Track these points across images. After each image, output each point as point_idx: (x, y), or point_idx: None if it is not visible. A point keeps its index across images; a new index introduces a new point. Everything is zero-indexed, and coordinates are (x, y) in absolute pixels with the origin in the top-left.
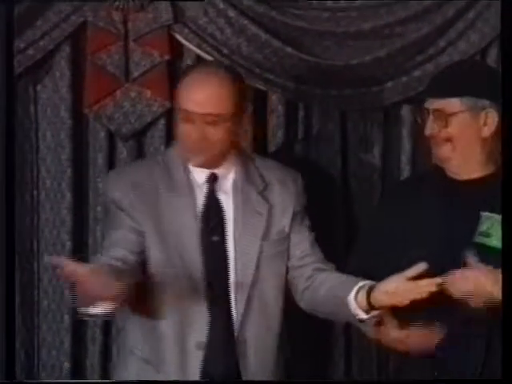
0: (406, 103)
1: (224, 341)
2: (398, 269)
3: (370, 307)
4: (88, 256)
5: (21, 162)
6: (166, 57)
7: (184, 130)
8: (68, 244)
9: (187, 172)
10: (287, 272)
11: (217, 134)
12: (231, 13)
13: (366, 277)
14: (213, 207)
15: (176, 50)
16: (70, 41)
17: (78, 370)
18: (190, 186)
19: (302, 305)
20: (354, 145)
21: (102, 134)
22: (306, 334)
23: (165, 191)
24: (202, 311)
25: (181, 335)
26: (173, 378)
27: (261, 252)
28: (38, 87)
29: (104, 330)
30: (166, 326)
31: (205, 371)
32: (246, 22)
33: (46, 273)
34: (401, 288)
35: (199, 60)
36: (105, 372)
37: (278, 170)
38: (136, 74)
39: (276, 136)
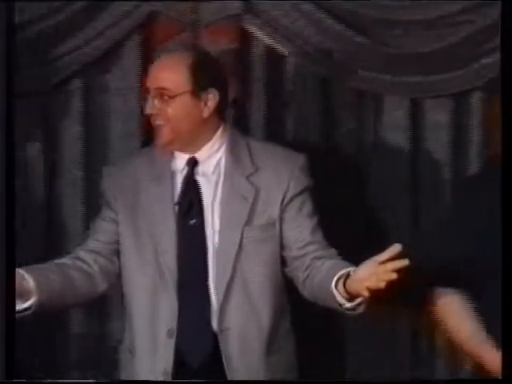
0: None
1: (199, 329)
2: None
3: (350, 295)
4: None
5: (91, 152)
6: (234, 45)
7: (145, 106)
8: None
9: (169, 160)
10: (288, 263)
11: (178, 114)
12: (303, 3)
13: None
14: (190, 191)
15: (245, 38)
16: (139, 30)
17: None
18: (171, 172)
19: (305, 295)
20: (424, 133)
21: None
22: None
23: (146, 180)
24: (172, 298)
25: (151, 322)
26: (145, 365)
27: (243, 238)
28: (108, 76)
29: None
30: (138, 313)
31: (179, 360)
32: (319, 13)
33: None
34: (372, 272)
35: (267, 49)
36: None
37: (274, 153)
38: None
39: (345, 125)
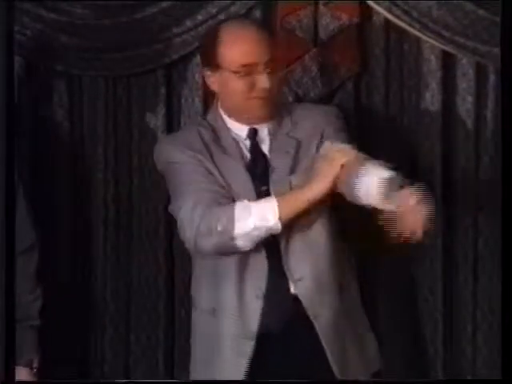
0: None
1: (282, 290)
2: None
3: None
4: None
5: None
6: (355, 20)
7: (250, 86)
8: None
9: (229, 131)
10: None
11: (278, 84)
12: None
13: None
14: (258, 160)
15: (365, 13)
16: (261, 6)
17: None
18: (235, 142)
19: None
20: None
21: (290, 99)
22: None
23: (216, 151)
24: (262, 260)
25: (240, 283)
26: (231, 324)
27: (290, 187)
28: None
29: None
30: (226, 272)
31: (264, 322)
32: None
33: None
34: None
35: (388, 23)
36: None
37: (311, 109)
38: (324, 38)
39: (466, 100)
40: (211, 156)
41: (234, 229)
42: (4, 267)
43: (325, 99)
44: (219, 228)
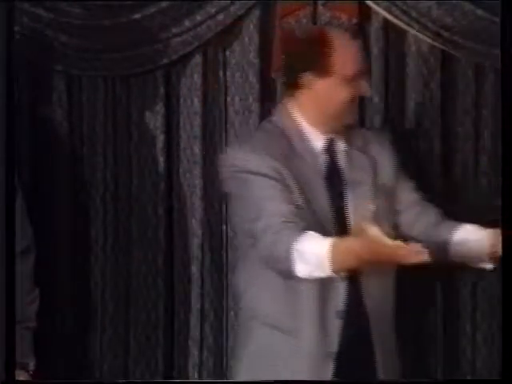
0: None
1: (356, 307)
2: None
3: None
4: None
5: (210, 127)
6: (354, 21)
7: (354, 93)
8: None
9: (306, 141)
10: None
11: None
12: None
13: None
14: (335, 174)
15: (364, 13)
16: (260, 6)
17: None
18: (312, 153)
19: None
20: None
21: None
22: None
23: (295, 163)
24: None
25: (321, 303)
26: (311, 345)
27: (371, 208)
28: (227, 52)
29: None
30: (307, 292)
31: (344, 341)
32: None
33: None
34: None
35: (387, 24)
36: None
37: (372, 129)
38: None
39: (465, 101)
40: (290, 168)
41: (295, 271)
42: (4, 268)
43: None
44: (283, 266)
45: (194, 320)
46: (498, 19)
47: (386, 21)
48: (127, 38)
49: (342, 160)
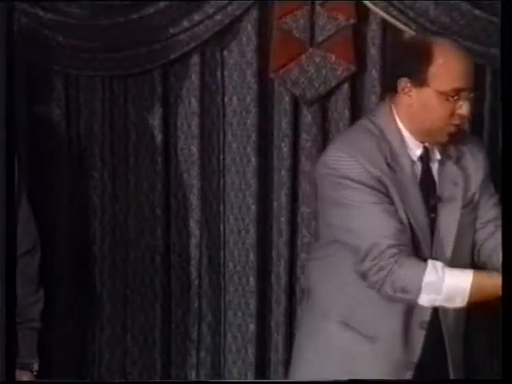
0: None
1: (434, 318)
2: None
3: None
4: (272, 220)
5: (208, 127)
6: (352, 21)
7: (451, 111)
8: (253, 207)
9: (405, 148)
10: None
11: (471, 110)
12: None
13: None
14: (429, 185)
15: (362, 13)
16: (258, 6)
17: (262, 329)
18: (410, 161)
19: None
20: None
21: (287, 99)
22: None
23: (393, 164)
24: None
25: (407, 312)
26: (393, 353)
27: (461, 221)
28: (225, 52)
29: (288, 293)
30: (393, 302)
31: (424, 351)
32: None
33: (232, 235)
34: None
35: (385, 24)
36: (290, 331)
37: (467, 138)
38: (321, 38)
39: None
40: (391, 177)
41: (418, 298)
42: (4, 268)
43: (322, 99)
44: (403, 293)
45: (192, 320)
46: (495, 19)
47: (383, 21)
48: (125, 37)
49: (435, 171)
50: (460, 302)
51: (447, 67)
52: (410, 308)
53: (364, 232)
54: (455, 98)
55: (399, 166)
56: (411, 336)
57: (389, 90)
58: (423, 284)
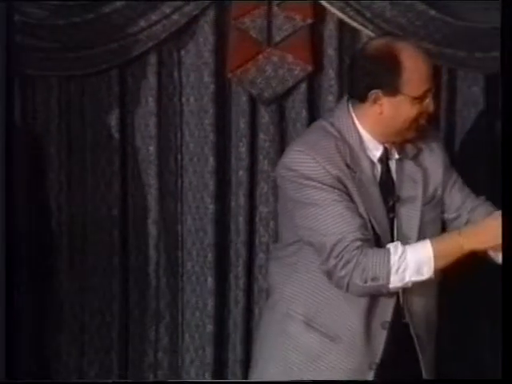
0: None
1: (398, 319)
2: None
3: None
4: (230, 219)
5: (165, 127)
6: (309, 21)
7: (422, 110)
8: (211, 207)
9: (365, 150)
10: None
11: (433, 104)
12: None
13: None
14: (388, 185)
15: (319, 14)
16: (215, 6)
17: (220, 329)
18: (370, 162)
19: None
20: (499, 109)
21: (244, 99)
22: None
23: (352, 166)
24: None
25: (368, 312)
26: (354, 353)
27: (422, 218)
28: (182, 52)
29: (246, 293)
30: (355, 301)
31: (384, 352)
32: None
33: (190, 235)
34: None
35: (342, 24)
36: (248, 331)
37: (423, 132)
38: (278, 38)
39: None
40: (352, 178)
41: (389, 282)
42: (4, 268)
43: (279, 99)
44: (373, 281)
45: (149, 320)
46: (450, 19)
47: (340, 21)
48: (82, 37)
49: (394, 170)
50: (427, 271)
51: (416, 72)
52: (372, 308)
53: (327, 230)
54: (424, 99)
55: (359, 168)
56: (373, 336)
57: (356, 99)
58: (391, 265)
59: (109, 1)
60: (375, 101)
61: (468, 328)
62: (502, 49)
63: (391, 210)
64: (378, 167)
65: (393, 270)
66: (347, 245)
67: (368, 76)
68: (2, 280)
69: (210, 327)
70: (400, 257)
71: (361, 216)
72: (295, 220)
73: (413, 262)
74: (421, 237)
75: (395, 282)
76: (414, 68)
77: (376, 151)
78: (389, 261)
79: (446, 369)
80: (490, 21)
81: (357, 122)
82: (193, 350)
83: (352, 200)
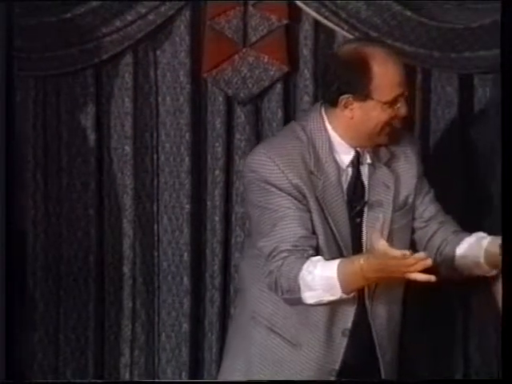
0: None
1: (362, 325)
2: None
3: None
4: (206, 219)
5: (141, 127)
6: (284, 21)
7: (393, 115)
8: (187, 207)
9: (333, 154)
10: (412, 233)
11: (407, 107)
12: None
13: None
14: (357, 190)
15: (294, 14)
16: (190, 6)
17: (196, 329)
18: (337, 168)
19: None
20: (473, 109)
21: (220, 99)
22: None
23: (315, 171)
24: (351, 298)
25: (329, 320)
26: (314, 360)
27: (392, 225)
28: (158, 52)
29: (222, 292)
30: (316, 308)
31: (345, 359)
32: None
33: (166, 234)
34: None
35: (317, 25)
36: (224, 331)
37: (399, 138)
38: (254, 38)
39: None
40: (313, 184)
41: (302, 297)
42: (4, 268)
43: (255, 99)
44: (288, 294)
45: (125, 319)
46: (425, 20)
47: (316, 21)
48: (57, 37)
49: (365, 175)
50: (337, 291)
51: (386, 78)
52: (333, 316)
53: (269, 235)
54: (395, 103)
55: (325, 173)
56: (333, 344)
57: (328, 103)
58: (300, 282)
59: (84, 1)
60: (346, 105)
61: (431, 334)
62: (501, 48)
63: (358, 215)
64: (349, 172)
65: (302, 286)
66: (276, 254)
67: (338, 81)
68: (3, 280)
69: (185, 326)
70: (310, 273)
71: (309, 228)
72: (250, 220)
73: (321, 279)
74: (390, 243)
75: (310, 299)
76: (384, 73)
77: (346, 155)
78: (297, 275)
79: (408, 374)
80: (463, 21)
81: (328, 125)
82: (169, 349)
83: (308, 209)
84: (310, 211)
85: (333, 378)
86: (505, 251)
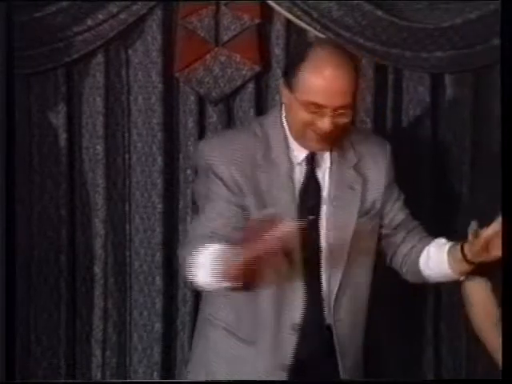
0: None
1: (316, 323)
2: None
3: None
4: (178, 219)
5: (113, 126)
6: (256, 20)
7: (311, 120)
8: (159, 207)
9: (287, 150)
10: (380, 240)
11: (345, 123)
12: None
13: None
14: (311, 187)
15: (266, 13)
16: (162, 5)
17: (168, 329)
18: (290, 164)
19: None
20: (445, 109)
21: (192, 98)
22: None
23: (264, 166)
24: (299, 291)
25: (277, 315)
26: (266, 356)
27: (356, 228)
28: (130, 51)
29: (194, 292)
30: (264, 303)
31: (297, 355)
32: None
33: (138, 234)
34: None
35: (289, 24)
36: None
37: (370, 142)
38: (226, 37)
39: (365, 101)
40: (257, 180)
41: (199, 279)
42: (4, 267)
43: (227, 98)
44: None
45: (97, 319)
46: (396, 20)
47: (287, 21)
48: (28, 36)
49: (322, 175)
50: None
51: (311, 79)
52: (281, 311)
53: (201, 225)
54: (314, 111)
55: (275, 169)
56: (283, 339)
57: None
58: (196, 266)
59: (55, 0)
60: (281, 90)
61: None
62: (502, 49)
63: (311, 212)
64: (303, 169)
65: (194, 268)
66: (197, 237)
67: (286, 66)
68: (3, 280)
69: (158, 326)
70: (201, 253)
71: (231, 219)
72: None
73: (201, 264)
74: (355, 247)
75: (202, 282)
76: (313, 75)
77: (300, 153)
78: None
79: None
80: (434, 21)
81: (284, 120)
82: (141, 349)
83: (241, 205)
84: (243, 207)
85: (284, 374)
86: (504, 251)
